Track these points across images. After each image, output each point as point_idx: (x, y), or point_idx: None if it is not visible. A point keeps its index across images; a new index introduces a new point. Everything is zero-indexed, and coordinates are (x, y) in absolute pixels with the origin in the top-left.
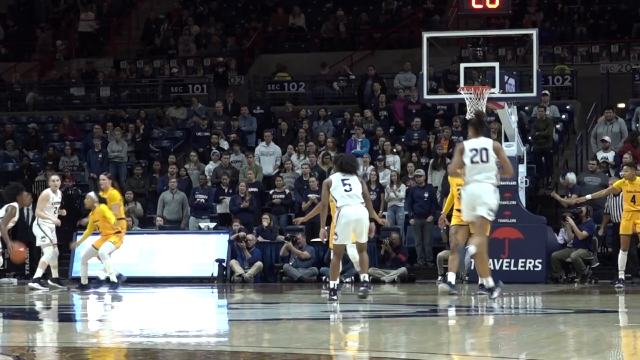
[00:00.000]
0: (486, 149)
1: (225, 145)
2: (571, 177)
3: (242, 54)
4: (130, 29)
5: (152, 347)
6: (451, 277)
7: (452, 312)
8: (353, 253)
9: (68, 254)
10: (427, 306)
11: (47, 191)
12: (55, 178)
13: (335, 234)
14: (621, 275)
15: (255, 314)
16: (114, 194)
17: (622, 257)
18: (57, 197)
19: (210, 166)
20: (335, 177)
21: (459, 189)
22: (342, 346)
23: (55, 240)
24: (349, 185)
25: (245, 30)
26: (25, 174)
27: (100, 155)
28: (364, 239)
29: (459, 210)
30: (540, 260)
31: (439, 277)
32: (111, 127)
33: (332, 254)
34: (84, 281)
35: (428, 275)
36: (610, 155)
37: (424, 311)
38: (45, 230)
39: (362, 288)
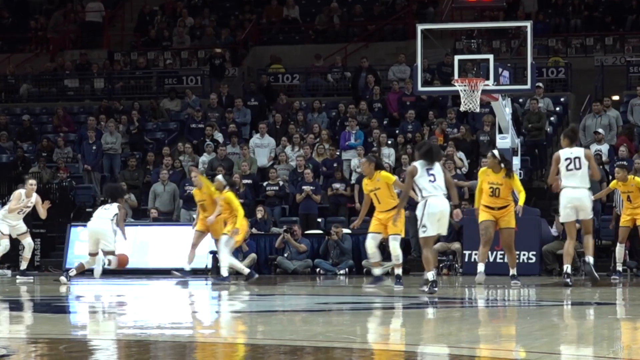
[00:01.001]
0: (579, 157)
1: (219, 137)
2: None
3: (236, 45)
4: (124, 20)
5: (145, 339)
6: (480, 267)
7: (445, 304)
8: (394, 246)
9: (62, 246)
10: (421, 298)
11: (21, 192)
12: (32, 182)
13: (424, 225)
14: (618, 267)
15: (249, 305)
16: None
17: (619, 249)
18: (29, 201)
19: (205, 158)
20: (420, 165)
21: (490, 187)
22: (336, 338)
23: (6, 238)
24: (433, 175)
25: (240, 21)
26: (19, 165)
27: (94, 147)
28: (445, 231)
29: (487, 207)
30: (534, 253)
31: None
32: (105, 118)
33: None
34: (225, 272)
35: (421, 268)
36: (604, 148)
37: (417, 303)
38: (2, 226)
39: (433, 288)
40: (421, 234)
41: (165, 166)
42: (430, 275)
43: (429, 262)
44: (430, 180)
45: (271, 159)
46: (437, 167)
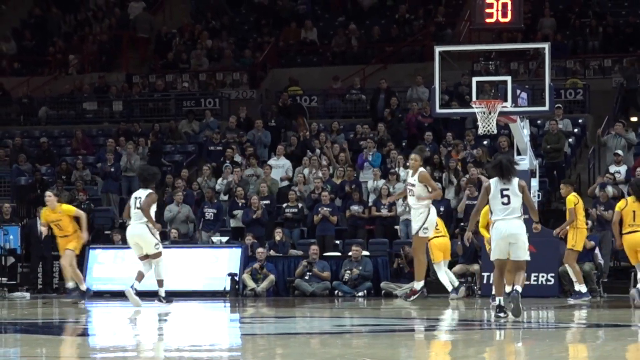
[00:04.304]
0: None
1: (239, 159)
2: (610, 190)
3: (255, 68)
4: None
5: None
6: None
7: (464, 326)
8: None
9: (81, 268)
10: (439, 320)
11: None
12: None
13: (493, 248)
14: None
15: (268, 328)
16: None
17: None
18: None
19: (223, 180)
20: (495, 185)
21: None
22: None
23: None
24: (507, 197)
25: (258, 44)
26: (37, 188)
27: (112, 169)
28: (520, 257)
29: None
30: (552, 275)
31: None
32: (124, 141)
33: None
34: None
35: (440, 290)
36: (622, 169)
37: (436, 325)
38: None
39: (498, 313)
40: (491, 257)
41: (189, 188)
42: (497, 299)
43: (498, 285)
44: (503, 203)
45: (285, 178)
46: (515, 187)
